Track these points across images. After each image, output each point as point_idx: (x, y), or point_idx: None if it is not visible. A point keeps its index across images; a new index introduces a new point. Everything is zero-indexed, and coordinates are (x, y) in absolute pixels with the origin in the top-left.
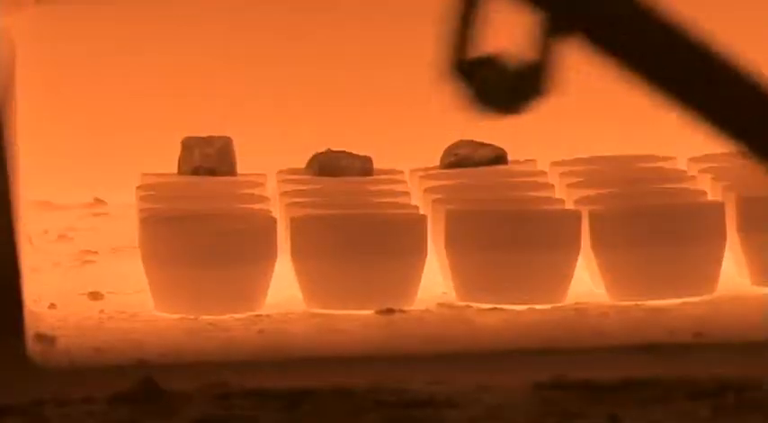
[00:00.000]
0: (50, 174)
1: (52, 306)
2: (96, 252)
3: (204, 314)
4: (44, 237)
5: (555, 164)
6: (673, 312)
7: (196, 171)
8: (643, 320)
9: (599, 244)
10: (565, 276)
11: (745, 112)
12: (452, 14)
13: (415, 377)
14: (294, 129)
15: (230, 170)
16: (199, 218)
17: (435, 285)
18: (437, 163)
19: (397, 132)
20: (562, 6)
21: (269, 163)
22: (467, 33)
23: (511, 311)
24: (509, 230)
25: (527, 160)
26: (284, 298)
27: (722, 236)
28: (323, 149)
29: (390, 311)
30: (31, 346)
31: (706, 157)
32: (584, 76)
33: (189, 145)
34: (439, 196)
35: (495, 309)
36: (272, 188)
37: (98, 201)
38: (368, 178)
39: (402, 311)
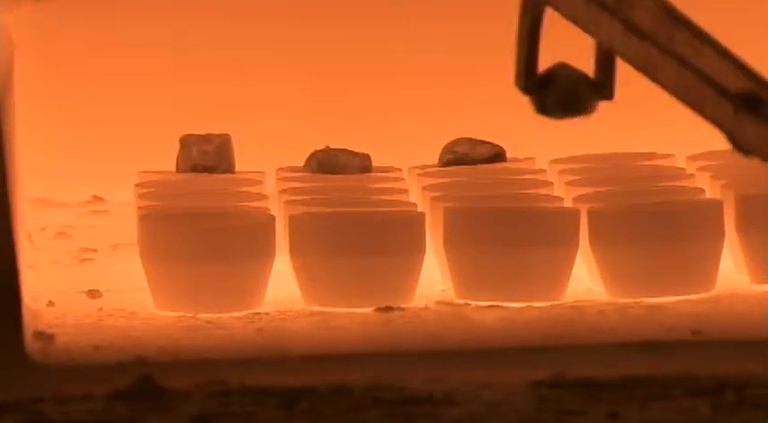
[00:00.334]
0: (49, 171)
1: (51, 304)
2: (95, 250)
3: (203, 312)
4: (43, 234)
5: (553, 161)
6: (671, 310)
7: (194, 168)
8: (641, 318)
9: (597, 242)
10: (563, 274)
11: None
12: (518, 36)
13: (413, 374)
14: (293, 126)
15: (229, 168)
16: (197, 215)
17: (434, 283)
18: (436, 160)
19: (395, 130)
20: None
21: (267, 160)
22: (531, 52)
23: (509, 309)
24: (507, 228)
25: (526, 158)
26: (283, 295)
27: (720, 234)
28: (321, 147)
29: (389, 309)
30: (30, 343)
31: (704, 155)
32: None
33: (187, 143)
34: (437, 194)
35: (494, 306)
36: (270, 186)
37: (97, 198)
38: (366, 176)
39: (400, 309)
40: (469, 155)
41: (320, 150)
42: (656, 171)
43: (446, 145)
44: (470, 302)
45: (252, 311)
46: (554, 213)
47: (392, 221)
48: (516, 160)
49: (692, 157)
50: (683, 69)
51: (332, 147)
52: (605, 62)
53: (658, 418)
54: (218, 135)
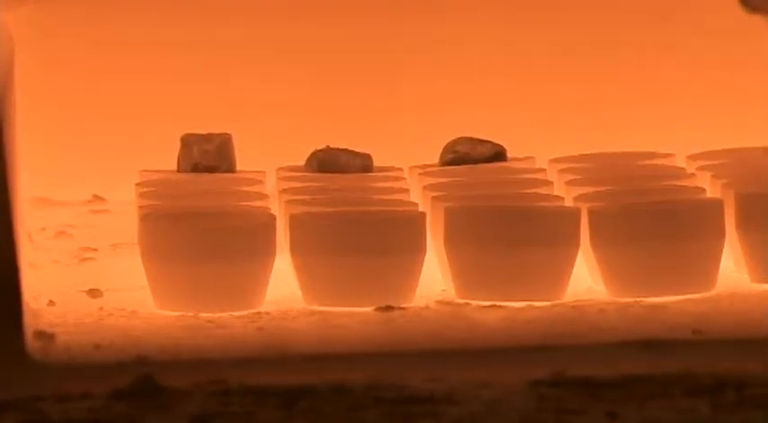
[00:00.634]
0: (49, 170)
1: (51, 303)
2: (95, 249)
3: (203, 311)
4: (43, 233)
5: (554, 161)
6: (672, 309)
7: (195, 168)
8: (642, 317)
9: (598, 241)
10: (564, 273)
11: None
12: None
13: (414, 374)
14: (293, 126)
15: (229, 167)
16: (198, 215)
17: (434, 282)
18: (436, 160)
19: (396, 129)
20: None
21: (268, 160)
22: None
23: (510, 308)
24: (508, 227)
25: (526, 157)
26: (283, 295)
27: (721, 233)
28: (322, 146)
29: (389, 308)
30: (31, 342)
31: (705, 155)
32: (584, 74)
33: (188, 142)
34: (438, 193)
35: (494, 306)
36: (271, 185)
37: (97, 198)
38: (367, 175)
39: (401, 308)
40: (470, 154)
41: (321, 150)
42: (657, 170)
43: (447, 144)
44: (471, 302)
45: (252, 311)
46: (555, 213)
47: (393, 221)
48: (517, 159)
49: (693, 157)
50: None
51: (332, 146)
52: None
53: (658, 417)
54: (219, 134)
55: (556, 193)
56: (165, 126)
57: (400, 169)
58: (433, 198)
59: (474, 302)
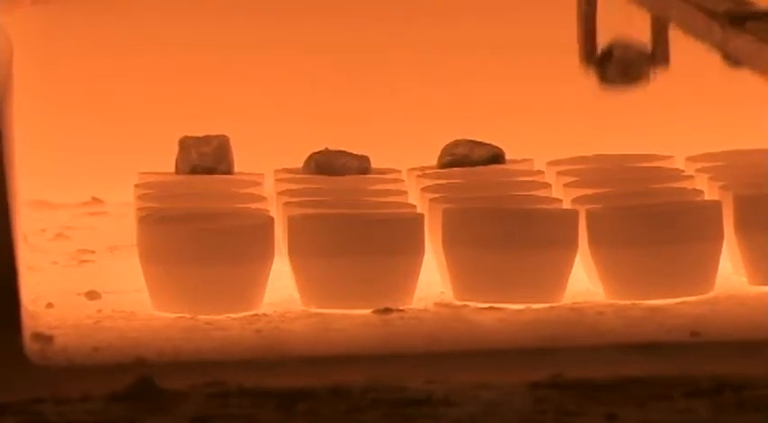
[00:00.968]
0: (48, 172)
1: (50, 305)
2: (94, 251)
3: (202, 313)
4: (41, 236)
5: (552, 163)
6: (670, 311)
7: (194, 170)
8: (640, 319)
9: (596, 243)
10: (562, 275)
11: None
12: (577, 15)
13: (412, 376)
14: (291, 128)
15: (228, 169)
16: (196, 217)
17: (433, 284)
18: (434, 162)
19: (394, 132)
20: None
21: (266, 162)
22: (589, 30)
23: (508, 310)
24: (506, 229)
25: (524, 159)
26: (282, 297)
27: (719, 235)
28: (320, 148)
29: (388, 311)
30: (29, 344)
31: (703, 157)
32: (581, 76)
33: (186, 144)
34: (436, 195)
35: (493, 308)
36: (269, 187)
37: (95, 200)
38: (365, 177)
39: (399, 311)
40: (468, 156)
41: (319, 152)
42: (655, 172)
43: (445, 147)
44: (469, 304)
45: (251, 313)
46: (553, 215)
47: (391, 223)
48: (515, 162)
49: (691, 159)
50: (683, 4)
51: (330, 148)
52: (659, 33)
53: (657, 419)
54: (217, 136)
55: (554, 195)
56: (163, 128)
57: (398, 171)
58: (432, 200)
59: (472, 304)
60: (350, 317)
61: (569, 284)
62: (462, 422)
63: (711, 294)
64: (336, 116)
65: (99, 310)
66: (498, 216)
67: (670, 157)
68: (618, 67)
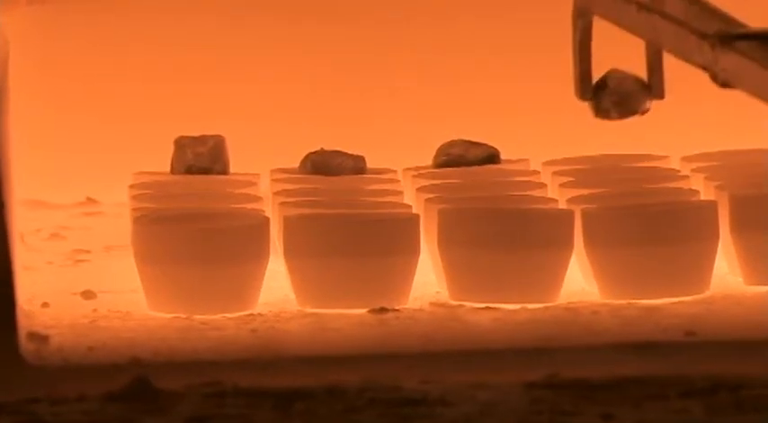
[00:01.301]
0: (43, 172)
1: (45, 305)
2: (89, 251)
3: (197, 313)
4: (37, 235)
5: (547, 163)
6: (665, 311)
7: (189, 170)
8: (636, 319)
9: (592, 243)
10: (557, 275)
11: None
12: (572, 48)
13: (408, 376)
14: (287, 128)
15: (223, 169)
16: (192, 217)
17: (428, 284)
18: (430, 162)
19: (389, 132)
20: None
21: (262, 162)
22: (584, 62)
23: (504, 310)
24: (502, 229)
25: (520, 159)
26: (277, 297)
27: (715, 235)
28: (316, 149)
29: (383, 310)
30: (25, 344)
31: (699, 157)
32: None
33: (182, 144)
34: (431, 195)
35: (488, 308)
36: (264, 187)
37: (91, 200)
38: (361, 177)
39: (395, 310)
40: (464, 156)
41: (314, 152)
42: (651, 172)
43: (440, 147)
44: (465, 304)
45: (246, 313)
46: (548, 215)
47: (387, 223)
48: (510, 162)
49: (687, 159)
50: (674, 26)
51: (326, 148)
52: (654, 65)
53: (652, 419)
54: (213, 136)
55: (549, 195)
56: (159, 128)
57: (394, 171)
58: (427, 200)
59: (468, 304)
60: (346, 317)
61: (565, 284)
62: (458, 422)
63: (707, 294)
64: (332, 116)
65: (94, 310)
66: (494, 216)
67: (665, 157)
68: (613, 98)
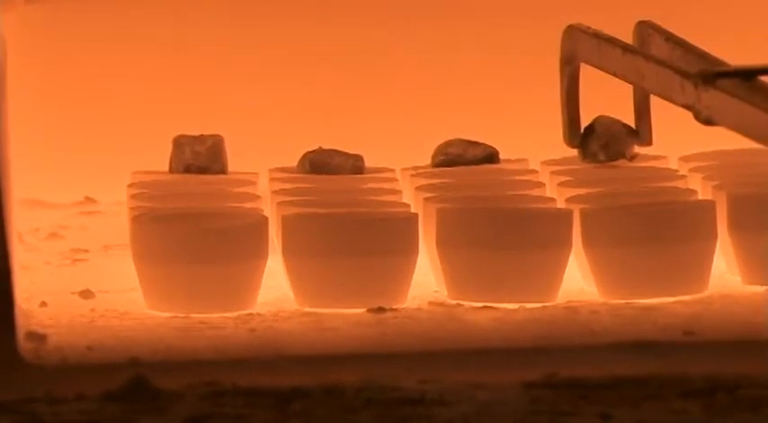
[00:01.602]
0: (41, 172)
1: (43, 304)
2: (87, 250)
3: (195, 312)
4: (35, 235)
5: (546, 163)
6: (664, 310)
7: (187, 169)
8: (634, 319)
9: (590, 242)
10: (556, 275)
11: None
12: (560, 96)
13: (406, 375)
14: (285, 127)
15: (221, 168)
16: (190, 216)
17: (427, 284)
18: (428, 161)
19: (388, 131)
20: None
21: (260, 161)
22: (572, 109)
23: (502, 310)
24: (500, 229)
25: (518, 159)
26: (276, 296)
27: (713, 234)
28: (314, 148)
29: (382, 310)
30: (23, 344)
31: (696, 156)
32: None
33: (180, 143)
34: (430, 195)
35: (487, 307)
36: (263, 186)
37: (89, 199)
38: (359, 176)
39: (393, 310)
40: (462, 156)
41: (313, 151)
42: (649, 172)
43: (439, 146)
44: (463, 303)
45: (245, 312)
46: (547, 214)
47: (385, 222)
48: (509, 161)
49: (684, 158)
50: (657, 67)
51: (324, 147)
52: (642, 111)
53: (651, 418)
54: (211, 136)
55: (548, 194)
56: (157, 127)
57: (392, 170)
58: (426, 199)
59: (466, 304)
60: (344, 316)
61: (563, 284)
62: (456, 422)
63: (705, 293)
64: (330, 115)
65: (93, 309)
66: (492, 215)
67: (663, 156)
68: (600, 141)
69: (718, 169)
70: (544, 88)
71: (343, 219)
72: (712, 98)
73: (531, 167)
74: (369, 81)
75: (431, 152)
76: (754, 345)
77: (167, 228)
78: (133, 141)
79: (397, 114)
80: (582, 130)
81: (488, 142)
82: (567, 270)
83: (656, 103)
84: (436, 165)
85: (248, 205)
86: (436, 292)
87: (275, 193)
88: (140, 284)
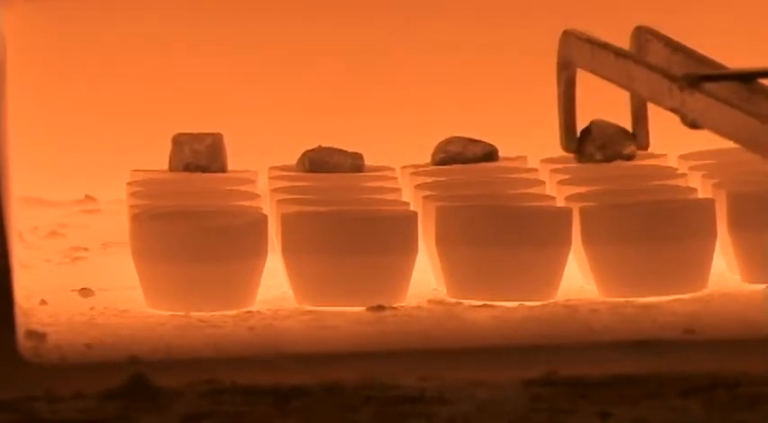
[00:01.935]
0: (41, 170)
1: (43, 302)
2: (87, 248)
3: (195, 310)
4: (35, 233)
5: (545, 161)
6: (664, 309)
7: (187, 167)
8: (634, 317)
9: (590, 240)
10: (555, 273)
11: None
12: (557, 100)
13: (405, 373)
14: (285, 125)
15: (221, 167)
16: (189, 214)
17: (426, 282)
18: (428, 159)
19: (387, 129)
20: None
21: (260, 159)
22: (569, 114)
23: (502, 308)
24: (500, 227)
25: (518, 157)
26: (275, 294)
27: (713, 233)
28: (314, 146)
29: (381, 308)
30: (22, 342)
31: (696, 154)
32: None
33: (180, 141)
34: (430, 193)
35: (486, 305)
36: (262, 185)
37: (89, 197)
38: (359, 175)
39: (393, 308)
40: (462, 154)
41: (312, 149)
42: (648, 170)
43: (438, 144)
44: (463, 301)
45: (244, 310)
46: (546, 212)
47: (384, 220)
48: (508, 159)
49: (684, 157)
50: (646, 71)
51: (324, 146)
52: (639, 116)
53: (650, 416)
54: (211, 134)
55: (547, 192)
56: (157, 125)
57: (392, 169)
58: (425, 197)
59: (466, 302)
60: (343, 314)
61: (563, 282)
62: (456, 420)
63: (705, 292)
64: (330, 114)
65: (92, 308)
66: (492, 213)
67: (663, 155)
68: (597, 142)
69: (718, 167)
70: (544, 86)
71: (343, 217)
72: (697, 101)
73: (530, 165)
74: (368, 79)
75: (430, 150)
76: (753, 343)
77: (167, 226)
78: (133, 140)
79: (397, 112)
80: (579, 133)
81: (488, 140)
82: (567, 268)
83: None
84: (436, 163)
85: (248, 204)
86: (436, 290)
87: (275, 191)
88: (140, 283)
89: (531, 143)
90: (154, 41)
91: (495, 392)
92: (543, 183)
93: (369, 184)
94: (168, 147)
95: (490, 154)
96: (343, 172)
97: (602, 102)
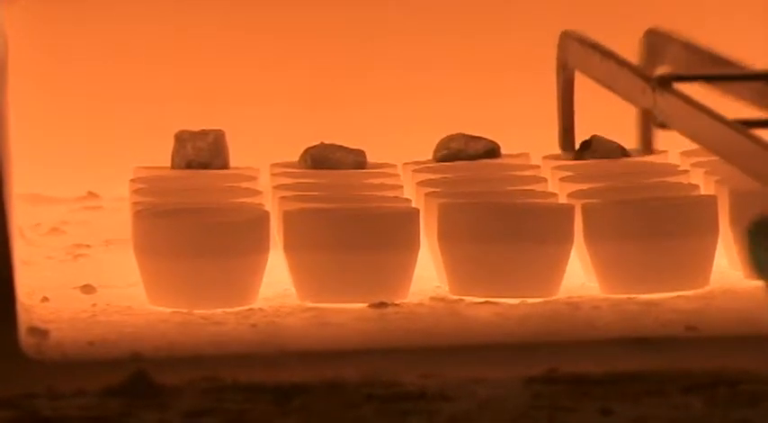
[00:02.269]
0: (43, 167)
1: (45, 299)
2: (89, 245)
3: (197, 308)
4: (37, 230)
5: (548, 157)
6: (665, 306)
7: (189, 164)
8: (636, 314)
9: (592, 237)
10: (557, 270)
11: None
12: (557, 100)
13: (407, 370)
14: (287, 122)
15: (223, 164)
16: (192, 211)
17: (428, 279)
18: (430, 156)
19: (389, 126)
20: None
21: (262, 156)
22: (567, 114)
23: (503, 305)
24: (502, 224)
25: (520, 154)
26: (277, 291)
27: (715, 230)
28: (316, 143)
29: (383, 305)
30: (24, 339)
31: (698, 151)
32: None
33: (182, 138)
34: (432, 190)
35: (488, 302)
36: (264, 182)
37: (91, 194)
38: (361, 171)
39: (395, 305)
40: (464, 150)
41: (314, 146)
42: (651, 167)
43: (440, 141)
44: (465, 298)
45: (246, 307)
46: (548, 209)
47: (386, 217)
48: (510, 156)
49: (686, 153)
50: (625, 71)
51: (326, 142)
52: (644, 126)
53: (651, 413)
54: (213, 131)
55: (550, 189)
56: (159, 122)
57: (394, 165)
58: (427, 194)
59: (468, 299)
60: (345, 311)
61: (565, 279)
62: (457, 417)
63: (707, 289)
64: (332, 110)
65: (94, 305)
66: (494, 210)
67: (665, 151)
68: (595, 155)
69: (721, 165)
70: (546, 84)
71: (345, 214)
72: (667, 102)
73: (532, 162)
74: (371, 76)
75: (432, 147)
76: (755, 340)
77: (169, 223)
78: (135, 137)
79: (399, 109)
80: (579, 145)
81: (490, 137)
82: (569, 265)
83: None
84: (438, 159)
85: (250, 200)
86: (437, 287)
87: (276, 188)
88: (142, 279)
89: (533, 140)
90: (157, 38)
91: (496, 390)
92: (545, 180)
93: (371, 181)
94: (171, 144)
95: (492, 151)
96: (346, 169)
97: (603, 103)
